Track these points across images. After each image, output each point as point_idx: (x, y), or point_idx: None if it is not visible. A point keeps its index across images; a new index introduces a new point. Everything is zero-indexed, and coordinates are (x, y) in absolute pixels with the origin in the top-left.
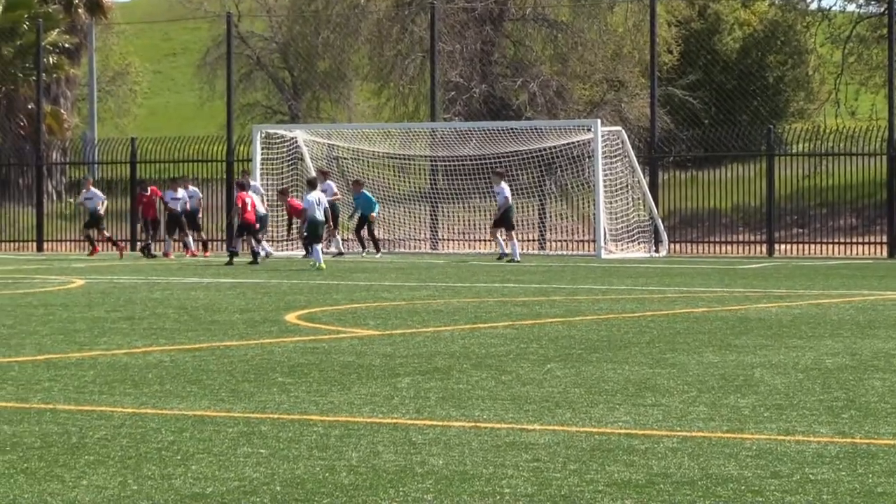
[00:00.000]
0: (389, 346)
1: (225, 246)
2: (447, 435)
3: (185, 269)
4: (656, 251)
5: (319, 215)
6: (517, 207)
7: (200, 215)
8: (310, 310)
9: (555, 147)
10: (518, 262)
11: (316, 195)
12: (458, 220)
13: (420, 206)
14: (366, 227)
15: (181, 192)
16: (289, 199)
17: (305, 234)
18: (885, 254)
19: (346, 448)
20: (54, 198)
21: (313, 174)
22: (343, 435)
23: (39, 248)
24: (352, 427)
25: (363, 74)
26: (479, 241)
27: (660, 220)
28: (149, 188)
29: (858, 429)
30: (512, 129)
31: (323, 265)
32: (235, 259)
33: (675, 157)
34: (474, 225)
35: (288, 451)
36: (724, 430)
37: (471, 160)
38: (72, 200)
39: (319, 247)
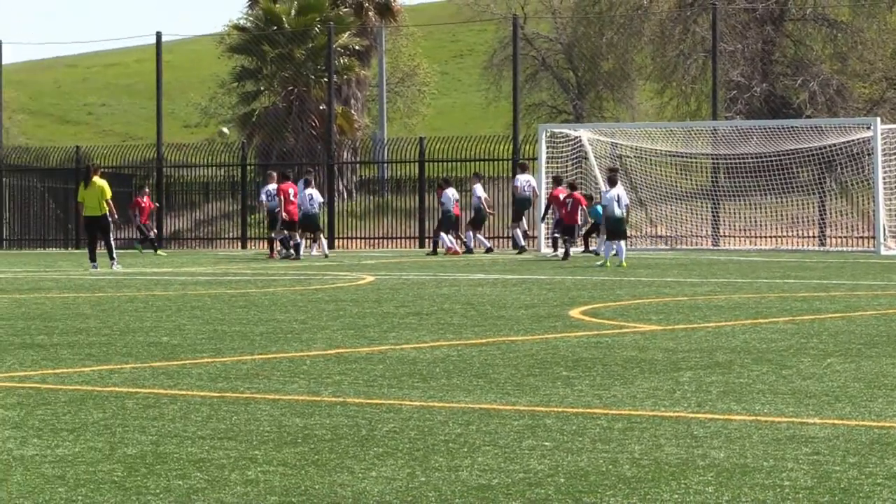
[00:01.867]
0: (671, 341)
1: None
2: (728, 428)
3: (472, 265)
4: None
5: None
6: (798, 204)
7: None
8: (593, 305)
9: (834, 145)
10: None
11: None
12: (740, 217)
13: (702, 203)
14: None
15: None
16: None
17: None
18: None
19: (629, 441)
20: (345, 196)
21: (597, 171)
22: (626, 428)
23: (331, 245)
24: (634, 420)
25: (646, 74)
26: (761, 237)
27: None
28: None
29: None
30: (792, 127)
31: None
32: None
33: None
34: (755, 222)
35: (572, 443)
36: None
37: (752, 158)
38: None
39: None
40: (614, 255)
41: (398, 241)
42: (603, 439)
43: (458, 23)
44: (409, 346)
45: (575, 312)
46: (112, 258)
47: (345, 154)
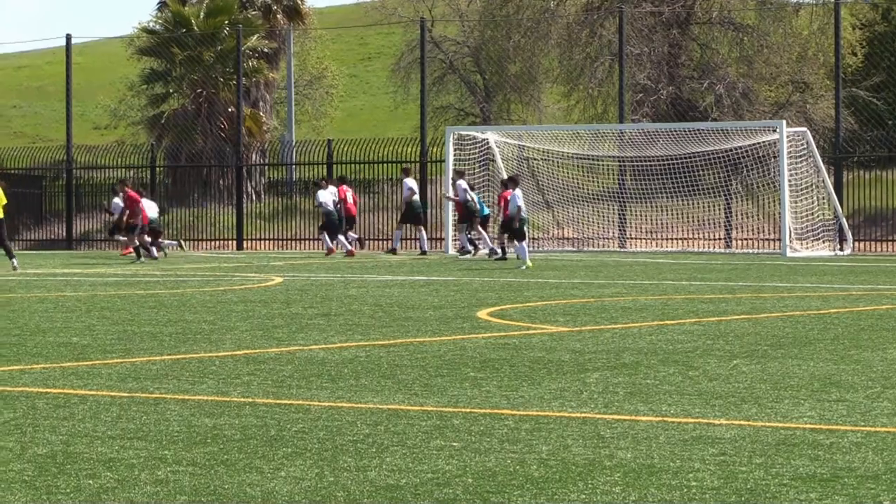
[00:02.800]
0: (579, 343)
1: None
2: (635, 429)
3: (380, 267)
4: (841, 249)
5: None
6: (704, 207)
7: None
8: (501, 307)
9: (741, 147)
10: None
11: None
12: (646, 220)
13: (608, 205)
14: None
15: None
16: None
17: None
18: None
19: (537, 441)
20: (253, 198)
21: (505, 175)
22: (533, 429)
23: (239, 247)
24: (542, 421)
25: (553, 77)
26: (668, 239)
27: (844, 219)
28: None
29: None
30: (699, 129)
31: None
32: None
33: (860, 157)
34: (662, 224)
35: (480, 444)
36: None
37: (658, 160)
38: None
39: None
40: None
41: (306, 242)
42: (510, 440)
43: (365, 26)
44: (317, 346)
45: (482, 313)
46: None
47: (253, 156)
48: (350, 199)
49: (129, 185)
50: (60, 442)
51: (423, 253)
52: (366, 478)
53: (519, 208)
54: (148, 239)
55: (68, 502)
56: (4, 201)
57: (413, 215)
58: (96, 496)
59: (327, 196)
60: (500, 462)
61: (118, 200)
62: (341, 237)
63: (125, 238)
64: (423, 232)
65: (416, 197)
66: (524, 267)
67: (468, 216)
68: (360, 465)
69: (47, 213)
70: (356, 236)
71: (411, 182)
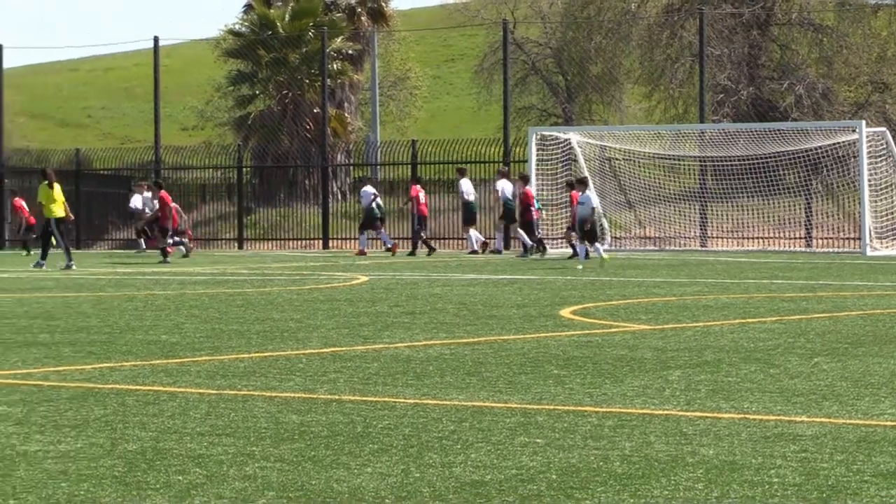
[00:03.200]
0: (661, 340)
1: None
2: (717, 426)
3: (464, 266)
4: None
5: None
6: (784, 206)
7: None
8: (584, 305)
9: (820, 147)
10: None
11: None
12: (727, 219)
13: (689, 204)
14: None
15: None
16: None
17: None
18: None
19: (620, 438)
20: (339, 197)
21: (586, 174)
22: (616, 425)
23: (325, 246)
24: (625, 418)
25: (634, 78)
26: (749, 238)
27: None
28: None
29: None
30: (779, 130)
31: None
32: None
33: None
34: (743, 223)
35: (563, 440)
36: None
37: (739, 160)
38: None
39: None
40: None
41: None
42: (594, 436)
43: (449, 27)
44: (402, 344)
45: (566, 312)
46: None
47: (339, 156)
48: (422, 199)
49: (147, 186)
50: (150, 438)
51: (473, 252)
52: (451, 474)
53: (593, 210)
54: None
55: (158, 498)
56: (62, 199)
57: (469, 215)
58: (185, 492)
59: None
60: (584, 458)
61: (138, 199)
62: (383, 233)
63: (143, 237)
64: (474, 232)
65: (473, 197)
66: (579, 267)
67: (510, 216)
68: (446, 462)
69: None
70: (424, 236)
71: (467, 184)
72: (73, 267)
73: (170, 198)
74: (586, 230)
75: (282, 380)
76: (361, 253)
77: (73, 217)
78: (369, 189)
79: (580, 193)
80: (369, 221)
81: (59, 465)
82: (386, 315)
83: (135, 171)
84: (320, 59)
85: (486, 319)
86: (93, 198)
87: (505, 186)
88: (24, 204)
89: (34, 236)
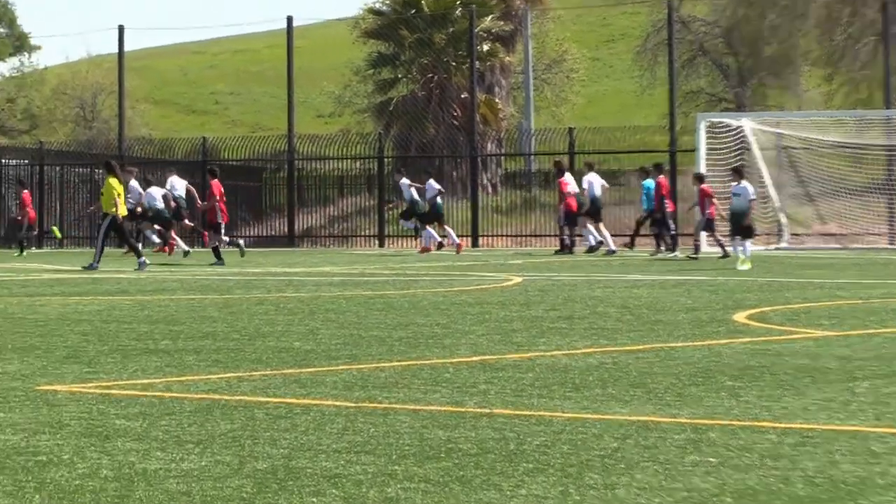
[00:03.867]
0: (846, 348)
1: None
2: None
3: (628, 265)
4: None
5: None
6: None
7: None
8: (760, 309)
9: None
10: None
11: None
12: None
13: (876, 198)
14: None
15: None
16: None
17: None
18: None
19: (802, 457)
20: (489, 190)
21: (761, 164)
22: (798, 443)
23: (475, 244)
24: (807, 435)
25: (812, 59)
26: None
27: None
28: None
29: None
30: None
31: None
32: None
33: None
34: None
35: (739, 459)
36: None
37: None
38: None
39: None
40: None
41: (547, 239)
42: (772, 455)
43: (608, 5)
44: (559, 352)
45: (740, 316)
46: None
47: (489, 145)
48: (571, 190)
49: (135, 172)
50: (281, 456)
51: (591, 250)
52: (614, 496)
53: (751, 202)
54: (156, 228)
55: None
56: (120, 190)
57: (595, 210)
58: None
59: (406, 184)
60: (762, 480)
61: (136, 185)
62: (430, 229)
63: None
64: (592, 228)
65: (600, 192)
66: (744, 267)
67: (596, 213)
68: (608, 483)
69: (267, 207)
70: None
71: (596, 177)
72: (96, 267)
73: (221, 189)
74: (744, 225)
75: (426, 391)
76: (426, 250)
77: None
78: (433, 183)
79: (735, 184)
80: (433, 216)
81: (181, 486)
82: (541, 320)
83: (266, 162)
84: (468, 39)
85: (651, 325)
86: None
87: (594, 181)
88: (29, 199)
89: (34, 233)
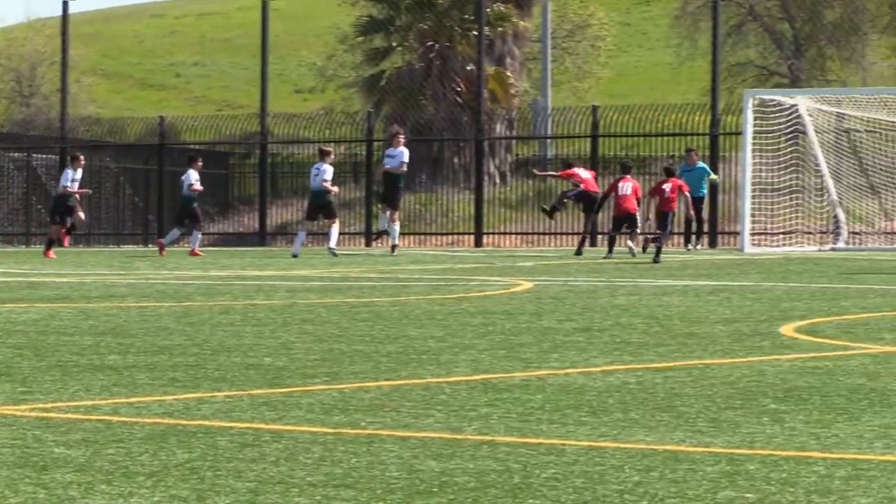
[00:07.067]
0: None
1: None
2: None
3: (655, 269)
4: None
5: None
6: None
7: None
8: (811, 320)
9: None
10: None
11: None
12: None
13: None
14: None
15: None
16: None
17: None
18: None
19: (854, 492)
20: (496, 180)
21: (818, 150)
22: (850, 476)
23: (478, 243)
24: (861, 466)
25: (881, 26)
26: None
27: None
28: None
29: None
30: None
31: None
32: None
33: None
34: None
35: (781, 495)
36: None
37: None
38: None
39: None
40: None
41: (564, 237)
42: (820, 490)
43: None
44: (575, 370)
45: (787, 329)
46: None
47: (498, 127)
48: (584, 175)
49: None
50: (247, 490)
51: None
52: None
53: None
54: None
55: None
56: None
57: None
58: None
59: None
60: None
61: (71, 173)
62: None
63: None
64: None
65: None
66: None
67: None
68: None
69: (235, 199)
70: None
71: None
72: None
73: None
74: None
75: (418, 416)
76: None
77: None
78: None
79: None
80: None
81: None
82: (554, 332)
83: (234, 146)
84: (476, 1)
85: (683, 338)
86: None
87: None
88: None
89: None
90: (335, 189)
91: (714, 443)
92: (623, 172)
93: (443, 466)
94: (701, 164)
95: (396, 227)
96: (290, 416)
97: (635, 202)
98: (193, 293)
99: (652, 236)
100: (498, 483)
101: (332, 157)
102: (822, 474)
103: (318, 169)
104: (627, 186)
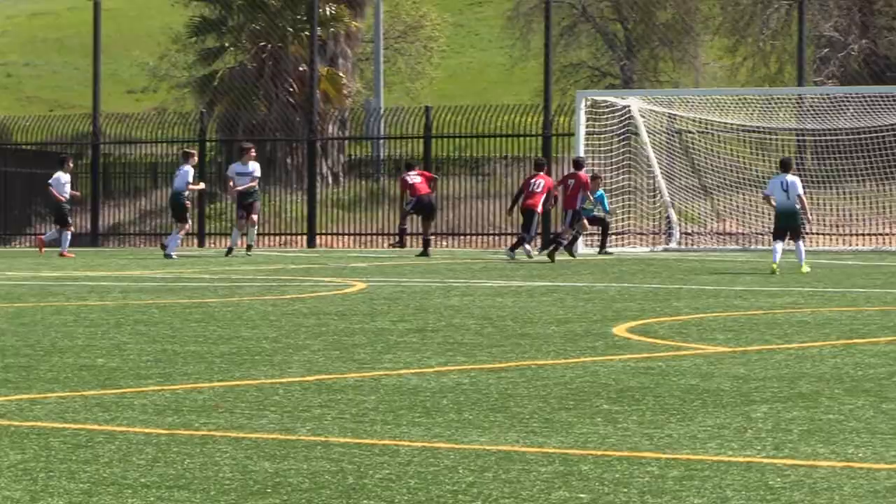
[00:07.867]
0: (742, 367)
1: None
2: (813, 477)
3: (490, 270)
4: None
5: None
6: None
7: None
8: (644, 320)
9: None
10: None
11: None
12: (831, 210)
13: None
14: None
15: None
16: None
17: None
18: None
19: (688, 493)
20: (329, 181)
21: (650, 151)
22: (683, 476)
23: (311, 244)
24: (694, 467)
25: (714, 27)
26: (858, 235)
27: None
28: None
29: None
30: None
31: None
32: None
33: None
34: (851, 215)
35: (615, 496)
36: None
37: (847, 134)
38: None
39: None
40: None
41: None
42: (654, 490)
43: None
44: (408, 371)
45: (620, 329)
46: None
47: (331, 128)
48: (410, 181)
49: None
50: (80, 491)
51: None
52: None
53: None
54: None
55: None
56: None
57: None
58: None
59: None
60: None
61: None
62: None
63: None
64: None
65: None
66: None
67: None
68: None
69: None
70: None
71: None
72: None
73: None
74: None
75: (252, 416)
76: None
77: None
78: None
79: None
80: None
81: None
82: (388, 333)
83: (66, 146)
84: (308, 2)
85: (516, 339)
86: (13, 180)
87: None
88: None
89: None
90: (201, 186)
91: (548, 443)
92: (536, 170)
93: (276, 467)
94: (601, 191)
95: (254, 230)
96: (124, 417)
97: (541, 200)
98: (25, 294)
99: (553, 235)
100: (332, 484)
101: (195, 159)
102: (656, 474)
103: (179, 171)
104: (539, 184)
